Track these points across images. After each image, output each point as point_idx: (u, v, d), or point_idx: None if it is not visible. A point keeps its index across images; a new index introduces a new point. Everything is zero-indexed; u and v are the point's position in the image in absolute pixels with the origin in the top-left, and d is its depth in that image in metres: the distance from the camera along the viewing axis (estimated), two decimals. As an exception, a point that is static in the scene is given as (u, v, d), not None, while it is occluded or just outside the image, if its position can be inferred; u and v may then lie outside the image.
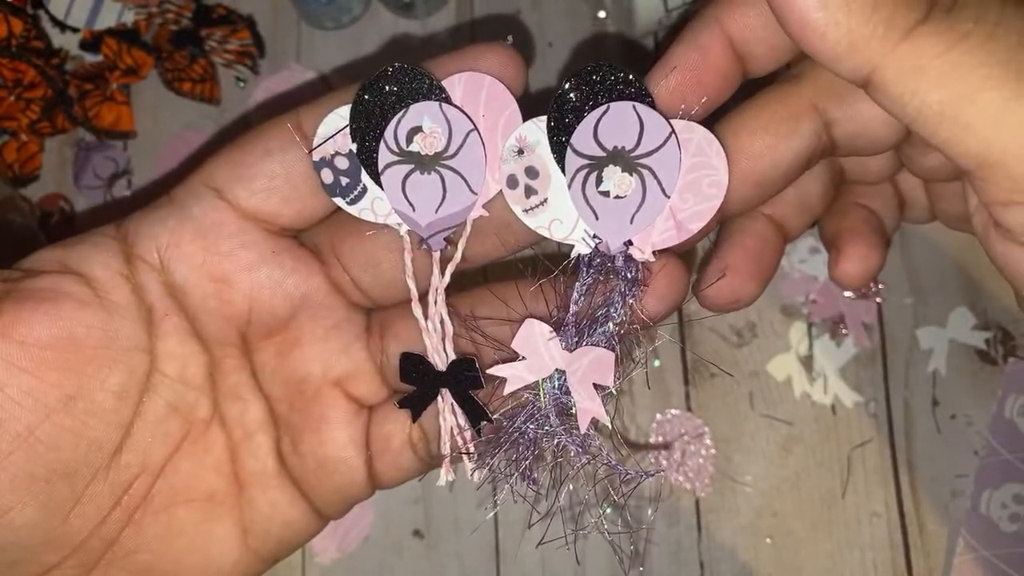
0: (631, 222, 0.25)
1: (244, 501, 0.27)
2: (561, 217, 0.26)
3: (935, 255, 0.51)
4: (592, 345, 0.26)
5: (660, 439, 0.49)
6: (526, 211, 0.26)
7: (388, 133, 0.25)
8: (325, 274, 0.28)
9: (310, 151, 0.26)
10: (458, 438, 0.28)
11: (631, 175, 0.25)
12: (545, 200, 0.26)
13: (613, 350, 0.26)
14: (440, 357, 0.27)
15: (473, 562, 0.48)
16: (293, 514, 0.28)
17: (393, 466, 0.28)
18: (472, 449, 0.28)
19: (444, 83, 0.25)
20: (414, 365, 0.27)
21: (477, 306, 0.28)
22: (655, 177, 0.25)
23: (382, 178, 0.26)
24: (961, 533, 0.47)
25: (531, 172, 0.26)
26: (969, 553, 0.47)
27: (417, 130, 0.25)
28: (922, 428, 0.49)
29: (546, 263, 0.27)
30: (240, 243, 0.26)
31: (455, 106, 0.25)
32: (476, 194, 0.26)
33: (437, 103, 0.25)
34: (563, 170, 0.25)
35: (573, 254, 0.26)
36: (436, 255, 0.27)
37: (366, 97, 0.25)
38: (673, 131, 0.25)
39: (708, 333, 0.50)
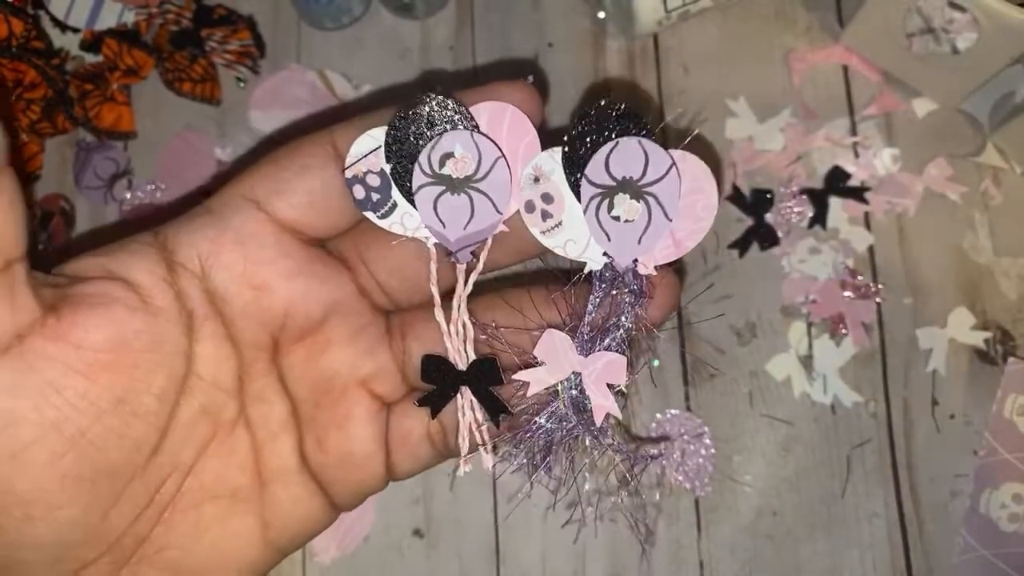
0: (639, 243, 0.28)
1: (266, 497, 0.28)
2: (575, 238, 0.29)
3: (934, 255, 0.51)
4: (604, 350, 0.29)
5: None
6: (543, 232, 0.29)
7: (423, 158, 0.28)
8: (353, 280, 0.29)
9: (344, 169, 0.28)
10: (477, 432, 0.30)
11: (638, 201, 0.28)
12: (560, 223, 0.29)
13: (624, 354, 0.29)
14: (461, 358, 0.29)
15: (473, 561, 0.48)
16: (312, 508, 0.29)
17: (411, 458, 0.30)
18: (491, 441, 0.30)
19: (471, 110, 0.28)
20: (436, 366, 0.29)
21: (492, 312, 0.30)
22: (659, 203, 0.28)
23: (415, 197, 0.28)
24: (961, 533, 0.47)
25: (547, 198, 0.29)
26: (969, 553, 0.47)
27: (449, 155, 0.28)
28: (921, 428, 0.49)
29: (559, 276, 0.29)
30: (279, 252, 0.27)
31: (484, 135, 0.28)
32: (502, 214, 0.28)
33: (469, 132, 0.28)
34: (577, 197, 0.28)
35: (586, 270, 0.29)
36: (462, 267, 0.29)
37: (401, 121, 0.28)
38: (674, 163, 0.27)
39: (708, 333, 0.50)
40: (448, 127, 0.28)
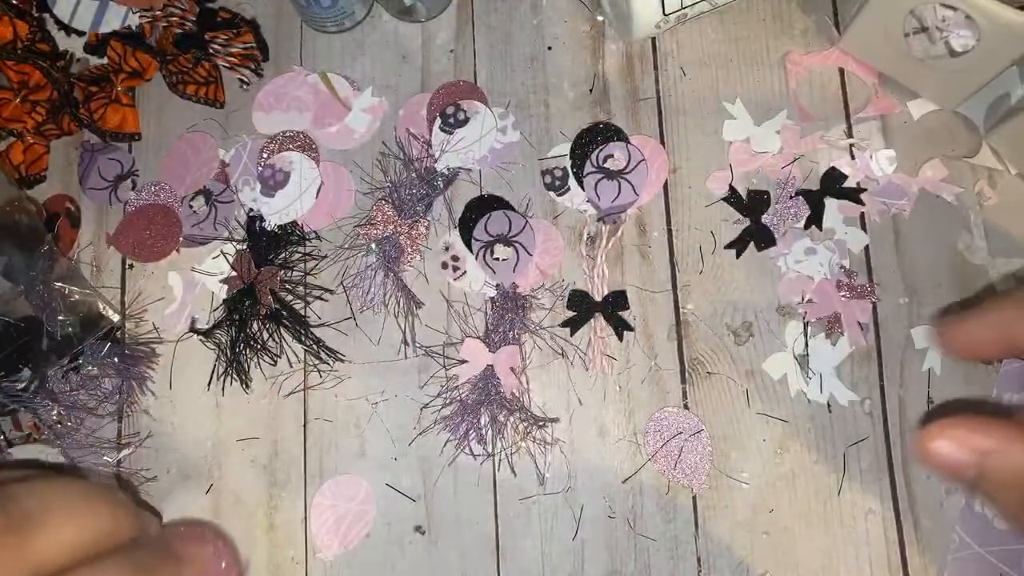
0: (513, 271, 0.50)
1: None
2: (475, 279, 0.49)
3: (930, 256, 0.51)
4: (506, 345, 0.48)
5: (658, 436, 0.49)
6: (455, 280, 0.47)
7: None
8: None
9: None
10: None
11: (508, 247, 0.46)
12: (464, 271, 0.46)
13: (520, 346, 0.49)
14: None
15: (474, 558, 0.49)
16: None
17: None
18: None
19: None
20: None
21: None
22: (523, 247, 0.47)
23: None
24: (955, 530, 0.47)
25: (455, 258, 0.49)
26: (963, 550, 0.47)
27: None
28: (917, 426, 0.49)
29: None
30: None
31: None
32: None
33: None
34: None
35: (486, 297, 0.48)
36: None
37: None
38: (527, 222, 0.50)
39: (705, 332, 0.51)
40: None
